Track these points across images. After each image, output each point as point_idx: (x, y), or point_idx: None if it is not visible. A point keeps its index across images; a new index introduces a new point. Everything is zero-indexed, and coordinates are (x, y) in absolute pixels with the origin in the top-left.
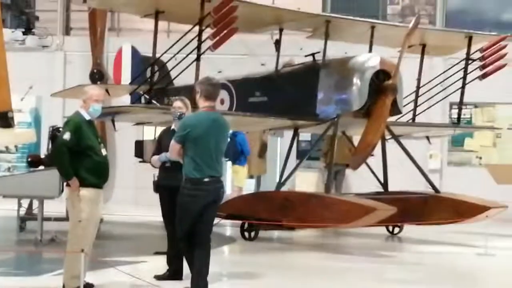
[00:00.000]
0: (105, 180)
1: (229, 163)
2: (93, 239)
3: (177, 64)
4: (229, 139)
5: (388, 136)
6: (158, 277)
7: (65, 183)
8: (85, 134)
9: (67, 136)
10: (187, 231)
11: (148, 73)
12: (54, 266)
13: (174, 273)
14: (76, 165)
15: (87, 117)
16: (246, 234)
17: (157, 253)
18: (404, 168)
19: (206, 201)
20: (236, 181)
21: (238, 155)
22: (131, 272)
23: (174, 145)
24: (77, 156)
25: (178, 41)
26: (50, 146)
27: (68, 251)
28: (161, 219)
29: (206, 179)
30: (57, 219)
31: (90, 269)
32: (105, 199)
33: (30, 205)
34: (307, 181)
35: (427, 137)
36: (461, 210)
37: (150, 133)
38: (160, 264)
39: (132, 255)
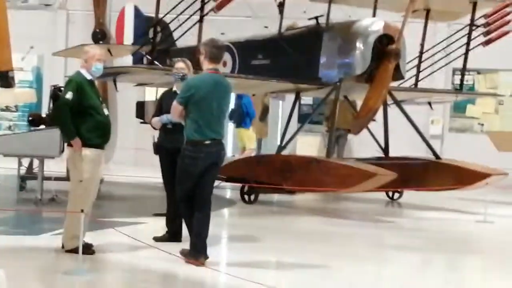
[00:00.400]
0: (107, 140)
1: (233, 126)
2: (94, 199)
3: (180, 25)
4: (234, 102)
5: (390, 101)
6: (157, 239)
7: (66, 143)
8: (87, 94)
9: (69, 95)
10: (187, 193)
11: (151, 34)
12: (54, 225)
13: (172, 235)
14: (78, 125)
15: (89, 77)
16: (246, 197)
17: (156, 214)
18: (405, 133)
19: (207, 163)
20: (246, 143)
21: (243, 117)
22: (130, 233)
23: (176, 106)
24: (79, 115)
25: (181, 1)
26: (51, 105)
27: (68, 211)
28: (161, 180)
29: (207, 141)
30: (57, 179)
31: (90, 229)
32: (106, 159)
33: (31, 164)
34: (309, 145)
35: (429, 103)
36: (461, 177)
37: (151, 94)
38: (159, 225)
39: (131, 216)
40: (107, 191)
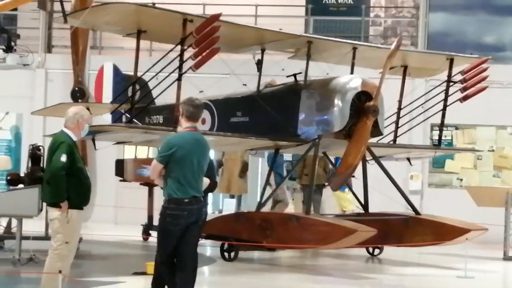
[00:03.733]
0: (88, 201)
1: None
2: (72, 260)
3: (158, 83)
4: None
5: (369, 157)
6: None
7: (47, 204)
8: (77, 157)
9: (64, 158)
10: (168, 253)
11: (130, 92)
12: (32, 286)
13: None
14: (67, 188)
15: (75, 138)
16: (226, 254)
17: (135, 273)
18: (385, 189)
19: (188, 221)
20: (345, 205)
21: None
22: None
23: (156, 165)
24: (68, 178)
25: (159, 60)
26: (29, 164)
27: (45, 272)
28: (140, 238)
29: (189, 199)
30: (35, 238)
31: None
32: (85, 218)
33: (9, 223)
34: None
35: (408, 159)
36: (441, 232)
37: (131, 152)
38: (139, 284)
39: (110, 275)
40: (86, 250)
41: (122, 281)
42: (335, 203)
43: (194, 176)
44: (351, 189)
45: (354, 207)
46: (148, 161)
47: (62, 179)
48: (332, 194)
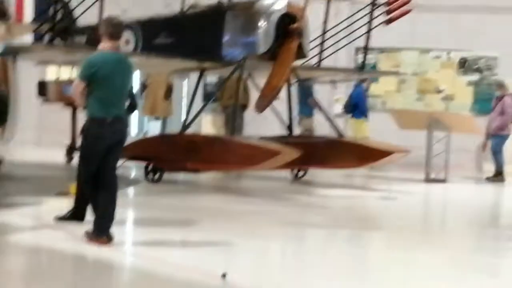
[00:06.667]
0: (5, 118)
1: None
2: None
3: (80, 3)
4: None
5: (294, 80)
6: (60, 218)
7: None
8: None
9: None
10: (91, 173)
11: (51, 12)
12: None
13: (77, 215)
14: None
15: None
16: (150, 176)
17: (59, 193)
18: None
19: (111, 141)
20: (358, 134)
21: (353, 108)
22: (33, 214)
23: (78, 84)
24: None
25: None
26: None
27: None
28: (63, 159)
29: (111, 119)
30: None
31: None
32: (6, 139)
33: None
34: (213, 123)
35: (333, 82)
36: (365, 155)
37: (52, 73)
38: (62, 205)
39: (33, 195)
40: (8, 172)
41: (45, 202)
42: (351, 130)
43: (116, 95)
44: (275, 112)
45: (368, 135)
46: (71, 82)
47: None
48: (349, 122)
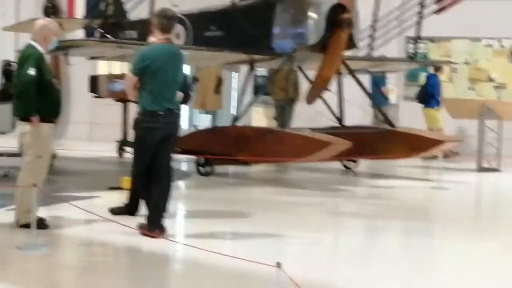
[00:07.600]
0: (59, 114)
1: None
2: (45, 174)
3: None
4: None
5: (344, 71)
6: (113, 211)
7: (19, 119)
8: (45, 69)
9: (32, 72)
10: (145, 166)
11: (102, 7)
12: (7, 201)
13: (130, 209)
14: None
15: (42, 51)
16: (202, 169)
17: (111, 188)
18: (360, 102)
19: (163, 133)
20: (431, 123)
21: (428, 97)
22: (85, 207)
23: (131, 77)
24: (38, 91)
25: None
26: (3, 80)
27: (19, 186)
28: (115, 154)
29: (164, 112)
30: (10, 155)
31: (43, 204)
32: (59, 134)
33: None
34: (264, 116)
35: (384, 72)
36: (416, 144)
37: (104, 68)
38: (114, 198)
39: (85, 190)
40: (61, 166)
41: (97, 196)
42: (424, 120)
43: (168, 88)
44: (325, 102)
45: (441, 126)
46: (121, 77)
47: (31, 92)
48: (423, 112)
